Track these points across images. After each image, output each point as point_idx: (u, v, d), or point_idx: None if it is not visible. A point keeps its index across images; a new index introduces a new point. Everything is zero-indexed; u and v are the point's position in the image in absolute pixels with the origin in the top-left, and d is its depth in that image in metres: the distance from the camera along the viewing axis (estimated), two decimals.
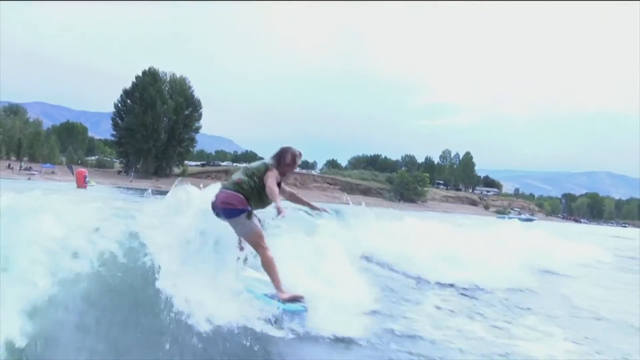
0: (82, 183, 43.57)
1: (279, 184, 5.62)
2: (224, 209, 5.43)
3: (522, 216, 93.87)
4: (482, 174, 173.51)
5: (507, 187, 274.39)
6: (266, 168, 5.61)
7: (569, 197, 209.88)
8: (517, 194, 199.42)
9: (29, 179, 66.78)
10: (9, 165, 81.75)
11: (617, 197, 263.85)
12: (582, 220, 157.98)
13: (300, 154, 5.74)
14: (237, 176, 5.66)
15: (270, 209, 5.62)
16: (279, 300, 5.19)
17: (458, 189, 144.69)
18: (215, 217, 5.56)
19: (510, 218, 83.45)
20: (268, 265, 5.40)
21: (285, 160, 5.63)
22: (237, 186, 5.50)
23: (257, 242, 5.42)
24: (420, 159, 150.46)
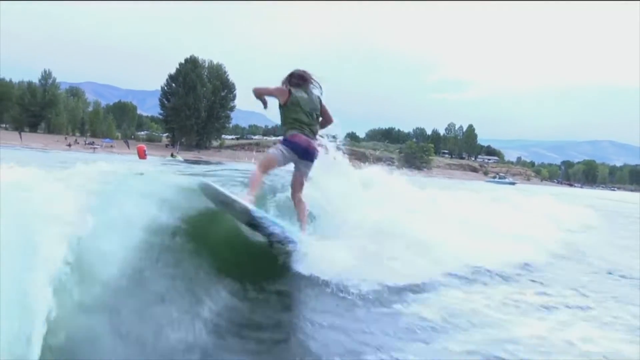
0: (143, 156, 48.00)
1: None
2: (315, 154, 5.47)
3: (506, 180, 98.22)
4: (495, 144, 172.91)
5: (513, 155, 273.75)
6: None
7: (567, 164, 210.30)
8: (518, 161, 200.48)
9: (94, 151, 69.43)
10: (76, 140, 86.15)
11: (617, 164, 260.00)
12: (575, 184, 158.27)
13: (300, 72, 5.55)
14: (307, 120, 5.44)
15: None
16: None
17: (462, 158, 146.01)
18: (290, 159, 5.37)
19: (498, 182, 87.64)
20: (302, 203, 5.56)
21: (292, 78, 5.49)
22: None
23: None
24: (431, 131, 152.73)
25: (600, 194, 67.84)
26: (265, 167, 5.29)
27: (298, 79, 5.44)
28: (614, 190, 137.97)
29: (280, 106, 5.40)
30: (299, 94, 5.35)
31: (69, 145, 77.53)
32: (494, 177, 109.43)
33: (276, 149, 5.30)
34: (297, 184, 5.48)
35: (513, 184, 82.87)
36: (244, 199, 4.85)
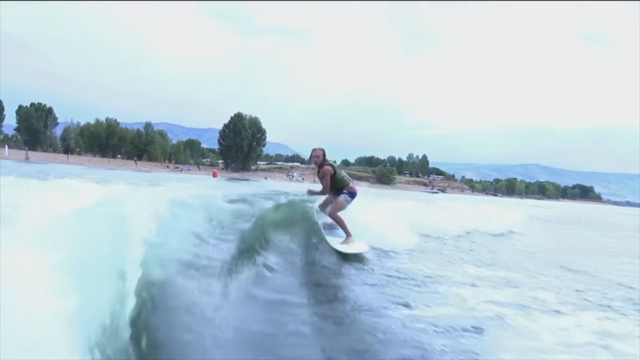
0: (216, 176, 47.92)
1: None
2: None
3: (434, 190, 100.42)
4: (451, 166, 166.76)
5: (464, 175, 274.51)
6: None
7: (496, 181, 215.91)
8: (462, 179, 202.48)
9: (176, 173, 69.22)
10: (167, 165, 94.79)
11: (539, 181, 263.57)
12: (498, 195, 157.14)
13: (313, 151, 5.66)
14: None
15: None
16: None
17: (418, 177, 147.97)
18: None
19: (428, 192, 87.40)
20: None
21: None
22: None
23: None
24: (398, 159, 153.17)
25: (511, 201, 68.35)
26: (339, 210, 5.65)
27: (323, 159, 5.64)
28: (523, 199, 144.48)
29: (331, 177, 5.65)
30: (336, 169, 5.77)
31: (176, 167, 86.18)
32: (427, 189, 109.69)
33: (344, 198, 5.65)
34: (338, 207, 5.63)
35: (437, 192, 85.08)
36: (352, 243, 5.48)
